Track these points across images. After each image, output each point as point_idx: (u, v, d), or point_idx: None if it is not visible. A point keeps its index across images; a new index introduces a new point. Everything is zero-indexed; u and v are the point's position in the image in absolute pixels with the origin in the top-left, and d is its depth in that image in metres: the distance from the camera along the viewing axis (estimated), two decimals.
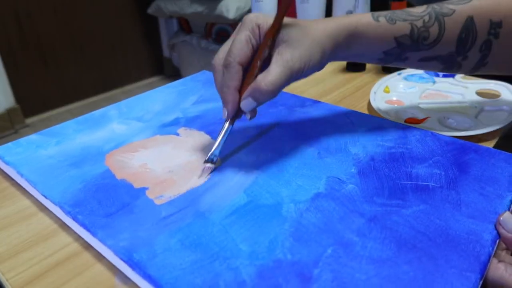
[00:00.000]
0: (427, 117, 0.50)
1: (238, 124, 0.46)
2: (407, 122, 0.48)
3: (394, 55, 0.40)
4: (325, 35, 0.37)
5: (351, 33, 0.38)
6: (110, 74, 2.26)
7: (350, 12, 0.70)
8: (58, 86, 2.06)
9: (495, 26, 0.38)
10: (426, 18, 0.39)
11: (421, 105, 0.53)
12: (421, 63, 0.41)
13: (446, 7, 0.39)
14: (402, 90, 0.58)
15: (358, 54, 0.40)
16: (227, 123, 0.37)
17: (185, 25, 2.17)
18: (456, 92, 0.56)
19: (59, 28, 1.97)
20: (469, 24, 0.38)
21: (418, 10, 0.39)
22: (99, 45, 2.15)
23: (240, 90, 0.36)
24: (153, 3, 2.09)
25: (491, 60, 0.40)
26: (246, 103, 0.35)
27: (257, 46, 0.36)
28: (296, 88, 0.62)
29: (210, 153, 0.37)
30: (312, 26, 0.37)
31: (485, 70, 0.41)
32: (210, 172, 0.37)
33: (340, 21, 0.38)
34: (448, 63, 0.41)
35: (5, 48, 1.82)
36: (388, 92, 0.57)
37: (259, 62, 0.36)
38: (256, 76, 0.35)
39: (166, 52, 2.46)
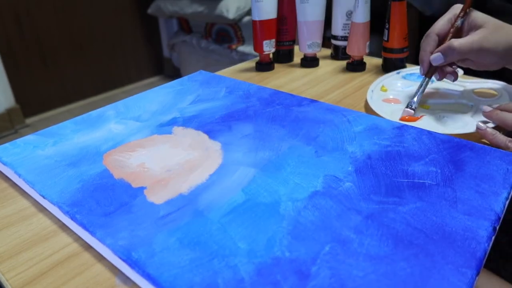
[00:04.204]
0: (423, 115, 0.50)
1: (236, 123, 0.46)
2: (403, 121, 0.49)
3: None
4: None
5: None
6: (110, 74, 2.26)
7: (350, 13, 0.69)
8: (58, 86, 2.06)
9: None
10: None
11: (417, 104, 0.53)
12: None
13: None
14: (399, 89, 0.58)
15: None
16: (425, 78, 0.51)
17: (185, 25, 2.17)
18: (454, 91, 0.56)
19: (59, 28, 1.97)
20: None
21: None
22: (99, 45, 2.15)
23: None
24: (153, 3, 2.09)
25: None
26: (435, 57, 0.48)
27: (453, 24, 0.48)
28: (296, 88, 0.62)
29: (410, 100, 0.50)
30: (506, 27, 0.45)
31: None
32: (407, 117, 0.49)
33: None
34: None
35: (5, 48, 1.83)
36: (385, 91, 0.57)
37: (452, 30, 0.49)
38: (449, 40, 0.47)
39: (166, 52, 2.46)
